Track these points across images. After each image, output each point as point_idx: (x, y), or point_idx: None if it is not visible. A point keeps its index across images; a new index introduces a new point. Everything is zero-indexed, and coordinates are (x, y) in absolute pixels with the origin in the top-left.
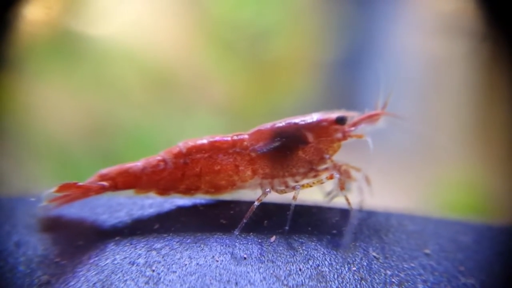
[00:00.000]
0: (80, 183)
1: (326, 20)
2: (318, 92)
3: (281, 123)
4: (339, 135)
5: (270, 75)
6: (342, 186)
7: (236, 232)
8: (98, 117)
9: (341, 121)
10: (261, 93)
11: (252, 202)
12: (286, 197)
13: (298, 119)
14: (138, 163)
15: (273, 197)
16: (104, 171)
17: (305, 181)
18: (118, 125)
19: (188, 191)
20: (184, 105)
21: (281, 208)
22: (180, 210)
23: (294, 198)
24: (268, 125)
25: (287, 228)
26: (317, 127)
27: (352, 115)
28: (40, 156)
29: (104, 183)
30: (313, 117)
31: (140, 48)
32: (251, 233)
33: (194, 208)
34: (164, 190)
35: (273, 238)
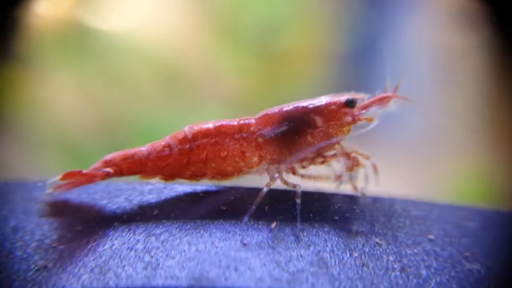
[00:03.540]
0: (85, 171)
1: (337, 13)
2: (328, 85)
3: (288, 106)
4: (349, 118)
5: (280, 68)
6: (350, 169)
7: (246, 219)
8: (108, 111)
9: (350, 104)
10: (271, 87)
11: (253, 188)
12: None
13: (306, 103)
14: (143, 149)
15: (274, 184)
16: (109, 157)
17: (311, 169)
18: (128, 119)
19: (194, 177)
20: (194, 99)
21: (282, 194)
22: (180, 196)
23: (296, 197)
24: (275, 109)
25: (299, 225)
26: (326, 111)
27: (362, 98)
28: (50, 150)
29: (109, 169)
30: (322, 100)
31: (151, 43)
32: (252, 220)
33: (194, 194)
34: (169, 176)
35: (273, 225)
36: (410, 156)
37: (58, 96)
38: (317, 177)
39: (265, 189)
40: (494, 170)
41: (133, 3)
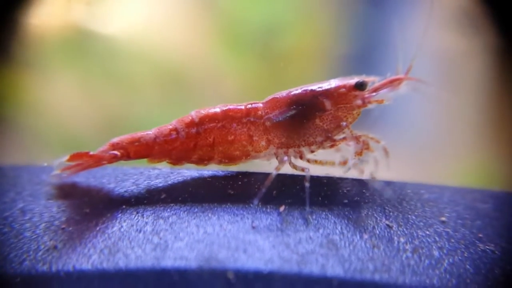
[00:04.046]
0: (92, 152)
1: (339, 14)
2: None
3: (297, 90)
4: (359, 101)
5: (282, 70)
6: (360, 153)
7: (256, 202)
8: (110, 114)
9: (360, 86)
10: (274, 89)
11: (260, 173)
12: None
13: (315, 86)
14: (149, 132)
15: (282, 168)
16: (116, 139)
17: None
18: (129, 122)
19: (201, 161)
20: (196, 101)
21: (290, 178)
22: (187, 180)
23: (305, 180)
24: (283, 92)
25: (307, 208)
26: (335, 94)
27: (373, 80)
28: (52, 152)
29: (116, 152)
30: (331, 83)
31: (152, 45)
32: (260, 203)
33: (201, 178)
34: (177, 160)
35: (282, 208)
36: (413, 153)
37: (60, 98)
38: (321, 162)
39: (275, 172)
40: (497, 169)
41: (135, 6)
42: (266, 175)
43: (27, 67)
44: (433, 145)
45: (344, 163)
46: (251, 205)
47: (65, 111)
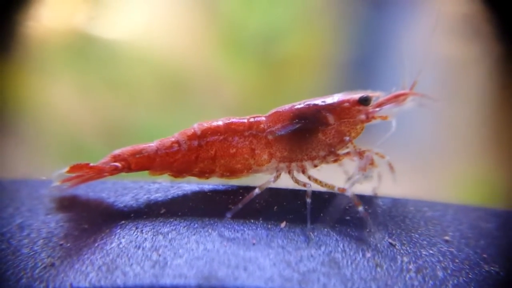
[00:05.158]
0: (92, 164)
1: (339, 21)
2: (330, 93)
3: (300, 104)
4: (363, 116)
5: (282, 75)
6: (364, 169)
7: (229, 216)
8: (110, 118)
9: (364, 101)
10: (273, 94)
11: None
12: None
13: (319, 100)
14: (151, 144)
15: (283, 182)
16: (117, 151)
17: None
18: (130, 126)
19: (202, 174)
20: (196, 106)
21: (292, 194)
22: (187, 195)
23: (307, 196)
24: (286, 106)
25: (309, 224)
26: (338, 108)
27: (377, 95)
28: (52, 155)
29: (118, 164)
30: (335, 97)
31: (154, 50)
32: (260, 219)
33: (201, 193)
34: (178, 173)
35: (283, 224)
36: (415, 162)
37: (60, 102)
38: (321, 183)
39: (257, 191)
40: (499, 176)
41: (136, 11)
42: (268, 189)
43: (27, 70)
44: (435, 156)
45: (343, 190)
46: (225, 218)
47: (65, 115)
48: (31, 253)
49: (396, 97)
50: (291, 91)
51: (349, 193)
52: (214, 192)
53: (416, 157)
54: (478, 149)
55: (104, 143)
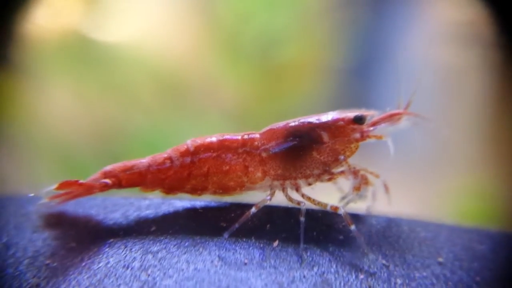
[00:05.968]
0: (82, 181)
1: (337, 27)
2: (328, 98)
3: (294, 122)
4: (357, 135)
5: (280, 80)
6: (358, 189)
7: (226, 236)
8: (107, 122)
9: (359, 120)
10: (271, 99)
11: (254, 205)
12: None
13: (313, 118)
14: (143, 160)
15: (276, 200)
16: (109, 168)
17: (315, 186)
18: (128, 130)
19: (195, 191)
20: (194, 110)
21: (285, 212)
22: (179, 212)
23: (300, 215)
24: (280, 124)
25: (302, 244)
26: (333, 127)
27: (372, 114)
28: (47, 160)
29: (108, 180)
30: (329, 116)
31: (151, 54)
32: (253, 237)
33: (193, 210)
34: (170, 190)
35: (275, 243)
36: (411, 174)
37: (56, 105)
38: (314, 201)
39: (253, 210)
40: (497, 188)
41: (134, 14)
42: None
43: (22, 74)
44: (432, 167)
45: (335, 208)
46: (222, 237)
47: (60, 118)
48: (16, 273)
49: (391, 116)
50: (289, 96)
51: (341, 211)
52: (206, 209)
53: (412, 168)
54: (477, 159)
55: (100, 147)
